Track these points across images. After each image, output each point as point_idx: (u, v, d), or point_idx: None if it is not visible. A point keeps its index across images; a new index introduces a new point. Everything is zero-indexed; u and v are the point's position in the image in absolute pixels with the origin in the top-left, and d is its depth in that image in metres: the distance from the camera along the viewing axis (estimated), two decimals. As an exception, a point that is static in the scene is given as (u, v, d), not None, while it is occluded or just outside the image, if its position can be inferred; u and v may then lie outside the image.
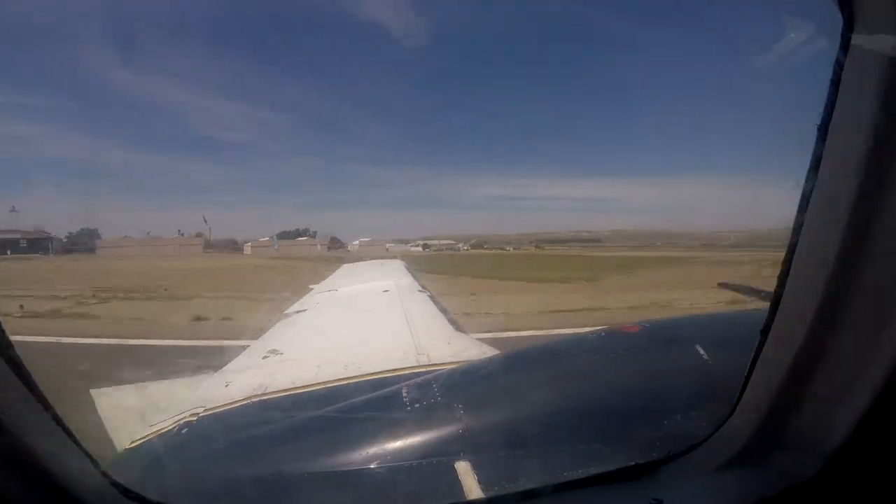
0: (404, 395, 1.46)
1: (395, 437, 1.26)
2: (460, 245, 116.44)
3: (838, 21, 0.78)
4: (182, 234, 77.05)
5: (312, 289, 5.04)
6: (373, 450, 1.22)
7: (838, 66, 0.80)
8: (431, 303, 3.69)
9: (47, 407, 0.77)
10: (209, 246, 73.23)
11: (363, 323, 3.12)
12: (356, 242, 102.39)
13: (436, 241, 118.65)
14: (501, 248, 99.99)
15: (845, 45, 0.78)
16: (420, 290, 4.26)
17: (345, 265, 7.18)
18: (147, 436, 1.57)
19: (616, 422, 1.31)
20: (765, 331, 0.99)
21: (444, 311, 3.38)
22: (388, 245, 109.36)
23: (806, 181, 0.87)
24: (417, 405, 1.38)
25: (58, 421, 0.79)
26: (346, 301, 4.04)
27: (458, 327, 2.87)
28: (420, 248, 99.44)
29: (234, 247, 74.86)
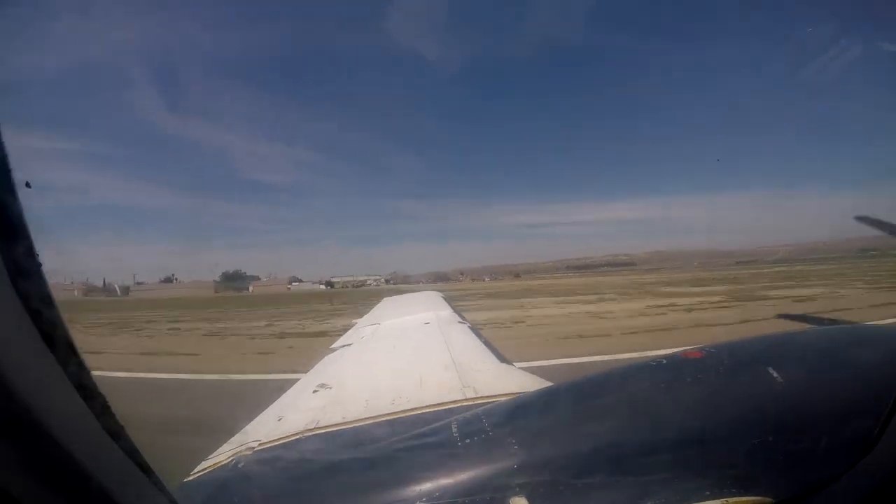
0: (454, 429, 1.43)
1: (447, 473, 1.25)
2: (371, 282, 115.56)
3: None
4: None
5: (356, 323, 5.24)
6: (426, 486, 1.22)
7: None
8: (473, 334, 3.72)
9: (120, 437, 0.74)
10: (89, 291, 74.37)
11: (408, 356, 3.17)
12: (252, 284, 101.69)
13: (349, 278, 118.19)
14: (473, 280, 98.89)
15: None
16: (460, 322, 4.36)
17: (385, 299, 7.28)
18: (205, 469, 1.60)
19: (709, 455, 1.21)
20: None
21: (487, 342, 3.40)
22: (288, 285, 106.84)
23: None
24: (468, 440, 1.36)
25: (130, 452, 0.75)
26: (390, 334, 4.18)
27: (504, 359, 2.90)
28: (322, 287, 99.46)
29: (108, 291, 75.36)
